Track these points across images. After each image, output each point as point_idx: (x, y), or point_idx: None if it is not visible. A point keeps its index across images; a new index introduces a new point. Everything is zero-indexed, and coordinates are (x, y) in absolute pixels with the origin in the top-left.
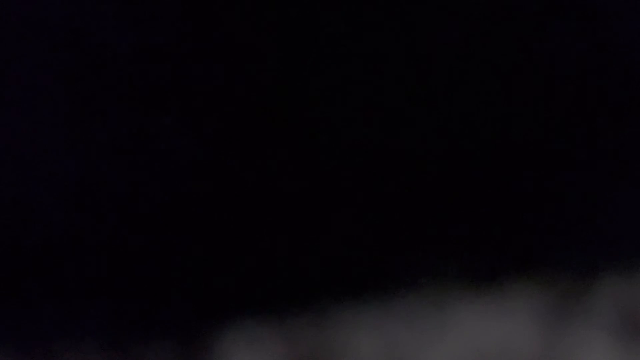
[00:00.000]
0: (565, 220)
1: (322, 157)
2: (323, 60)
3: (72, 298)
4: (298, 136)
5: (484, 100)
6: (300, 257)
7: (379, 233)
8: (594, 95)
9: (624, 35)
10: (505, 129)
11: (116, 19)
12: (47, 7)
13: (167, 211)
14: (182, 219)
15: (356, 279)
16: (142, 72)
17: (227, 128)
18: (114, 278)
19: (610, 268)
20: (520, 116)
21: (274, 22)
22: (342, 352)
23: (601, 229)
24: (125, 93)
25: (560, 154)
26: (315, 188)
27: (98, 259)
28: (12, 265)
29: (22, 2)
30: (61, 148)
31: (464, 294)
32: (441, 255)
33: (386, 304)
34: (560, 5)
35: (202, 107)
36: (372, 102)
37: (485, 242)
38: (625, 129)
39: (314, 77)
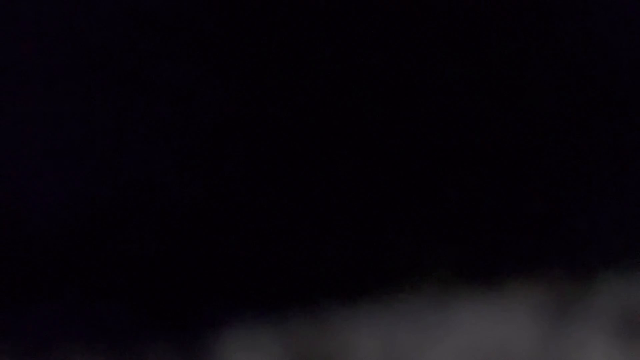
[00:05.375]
0: (565, 220)
1: (321, 156)
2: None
3: (72, 299)
4: (296, 134)
5: (485, 101)
6: (299, 257)
7: (379, 233)
8: (593, 96)
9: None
10: (504, 128)
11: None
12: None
13: (166, 211)
14: (182, 220)
15: (356, 279)
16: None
17: (225, 127)
18: (114, 279)
19: (610, 268)
20: (521, 116)
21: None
22: (342, 352)
23: (601, 229)
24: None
25: (560, 154)
26: (314, 188)
27: (98, 260)
28: (12, 266)
29: (22, 2)
30: (64, 147)
31: (464, 294)
32: (441, 255)
33: (386, 304)
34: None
35: (199, 105)
36: (370, 99)
37: (485, 242)
38: (625, 128)
39: (311, 78)
